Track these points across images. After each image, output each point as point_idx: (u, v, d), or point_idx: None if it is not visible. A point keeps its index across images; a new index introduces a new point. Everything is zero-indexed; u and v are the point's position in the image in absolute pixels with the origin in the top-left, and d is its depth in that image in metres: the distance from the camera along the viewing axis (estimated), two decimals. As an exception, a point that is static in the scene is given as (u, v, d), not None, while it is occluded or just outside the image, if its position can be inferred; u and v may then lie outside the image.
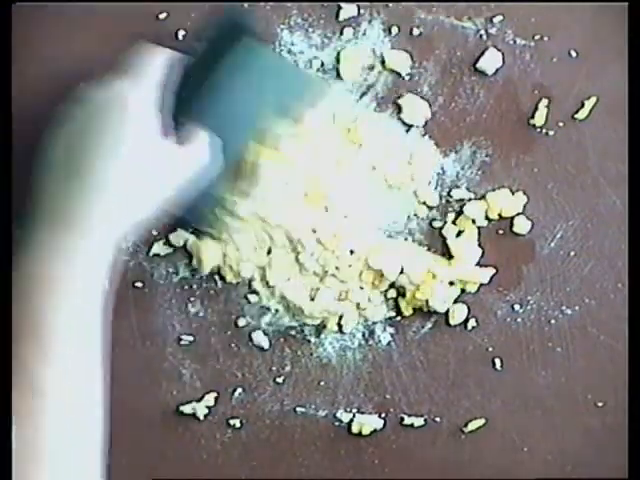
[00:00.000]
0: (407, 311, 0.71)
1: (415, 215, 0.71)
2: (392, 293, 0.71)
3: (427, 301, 0.70)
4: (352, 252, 0.69)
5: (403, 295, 0.71)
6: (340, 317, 0.71)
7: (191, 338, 0.72)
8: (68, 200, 0.59)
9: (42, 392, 0.55)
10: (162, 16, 0.71)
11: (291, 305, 0.70)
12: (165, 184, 0.62)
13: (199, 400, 0.72)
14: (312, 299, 0.70)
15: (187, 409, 0.72)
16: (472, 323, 0.72)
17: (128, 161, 0.60)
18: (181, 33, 0.71)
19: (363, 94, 0.71)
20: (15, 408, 0.54)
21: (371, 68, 0.71)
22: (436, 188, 0.71)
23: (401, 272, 0.69)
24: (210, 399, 0.72)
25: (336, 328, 0.71)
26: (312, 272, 0.70)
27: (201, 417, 0.72)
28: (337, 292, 0.70)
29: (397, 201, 0.71)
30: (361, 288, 0.70)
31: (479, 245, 0.71)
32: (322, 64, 0.71)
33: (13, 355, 0.55)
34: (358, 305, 0.71)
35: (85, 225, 0.58)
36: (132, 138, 0.60)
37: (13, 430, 0.53)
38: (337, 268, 0.69)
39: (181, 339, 0.72)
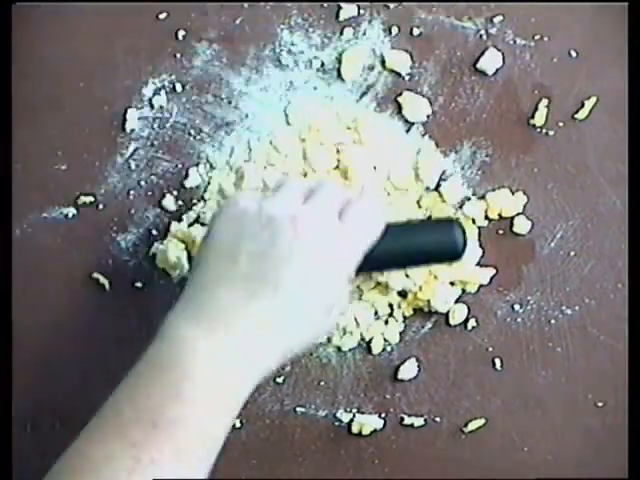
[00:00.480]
0: (407, 312, 0.71)
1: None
2: (394, 296, 0.71)
3: (429, 301, 0.70)
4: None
5: (404, 296, 0.71)
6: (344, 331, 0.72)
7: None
8: (235, 305, 0.56)
9: None
10: (162, 16, 0.71)
11: None
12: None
13: (199, 400, 0.72)
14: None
15: (187, 409, 0.72)
16: (472, 323, 0.72)
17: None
18: (181, 33, 0.71)
19: (363, 94, 0.71)
20: None
21: (371, 68, 0.71)
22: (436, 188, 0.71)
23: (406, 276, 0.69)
24: (210, 399, 0.72)
25: (340, 343, 0.72)
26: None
27: (201, 417, 0.72)
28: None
29: (399, 203, 0.71)
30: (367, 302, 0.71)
31: (479, 245, 0.71)
32: (322, 64, 0.71)
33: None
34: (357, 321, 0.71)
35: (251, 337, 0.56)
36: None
37: None
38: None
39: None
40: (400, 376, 0.71)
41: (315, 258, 0.58)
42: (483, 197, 0.71)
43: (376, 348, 0.71)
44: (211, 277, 0.58)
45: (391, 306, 0.71)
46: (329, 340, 0.71)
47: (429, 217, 0.70)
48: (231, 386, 0.56)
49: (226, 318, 0.56)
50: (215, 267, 0.58)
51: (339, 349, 0.72)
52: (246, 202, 0.59)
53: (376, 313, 0.71)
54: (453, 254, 0.65)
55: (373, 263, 0.63)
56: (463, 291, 0.71)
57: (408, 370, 0.71)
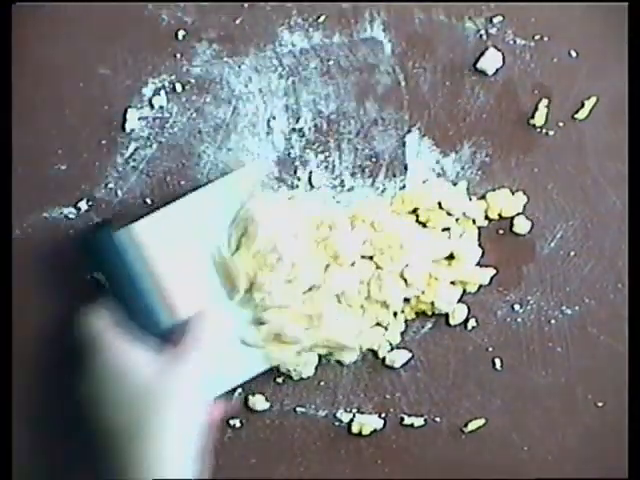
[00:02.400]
0: (410, 315, 0.71)
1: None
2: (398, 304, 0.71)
3: (432, 303, 0.70)
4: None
5: (407, 300, 0.71)
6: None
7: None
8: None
9: None
10: (162, 16, 0.71)
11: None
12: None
13: (199, 400, 0.72)
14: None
15: (187, 409, 0.72)
16: (472, 323, 0.72)
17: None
18: (181, 33, 0.71)
19: (364, 94, 0.71)
20: None
21: (371, 68, 0.72)
22: (436, 188, 0.72)
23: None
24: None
25: (341, 358, 0.72)
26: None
27: (201, 417, 0.72)
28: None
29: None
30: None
31: (479, 245, 0.71)
32: (322, 63, 0.71)
33: None
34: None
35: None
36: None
37: None
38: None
39: (181, 339, 0.72)
40: (395, 365, 0.71)
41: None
42: (483, 197, 0.71)
43: (382, 352, 0.71)
44: None
45: (395, 313, 0.71)
46: (330, 354, 0.71)
47: None
48: None
49: None
50: None
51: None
52: None
53: (378, 324, 0.71)
54: None
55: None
56: (463, 291, 0.71)
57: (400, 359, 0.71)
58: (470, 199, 0.71)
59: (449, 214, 0.70)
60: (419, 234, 0.70)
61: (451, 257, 0.71)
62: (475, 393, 0.72)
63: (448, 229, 0.70)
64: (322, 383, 0.72)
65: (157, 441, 0.60)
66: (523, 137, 0.72)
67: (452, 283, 0.71)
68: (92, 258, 0.67)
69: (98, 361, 0.63)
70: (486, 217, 0.71)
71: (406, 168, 0.71)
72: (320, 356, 0.71)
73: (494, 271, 0.71)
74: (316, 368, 0.72)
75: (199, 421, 0.62)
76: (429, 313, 0.71)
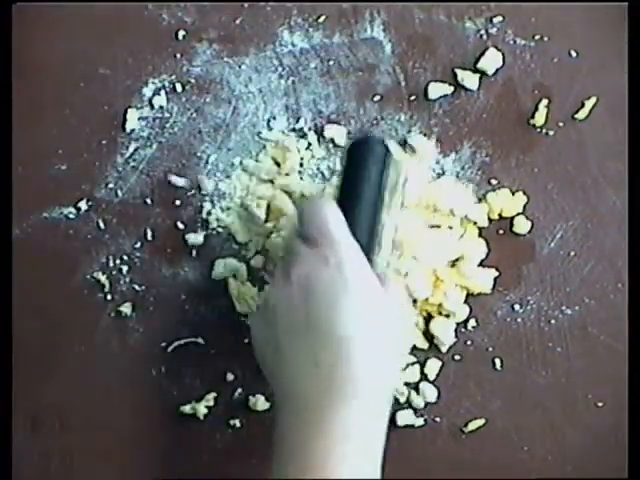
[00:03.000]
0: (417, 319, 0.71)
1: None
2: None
3: (439, 306, 0.70)
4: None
5: (414, 301, 0.71)
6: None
7: (192, 338, 0.72)
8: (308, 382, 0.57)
9: None
10: (162, 16, 0.71)
11: None
12: (400, 338, 0.61)
13: (199, 400, 0.72)
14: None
15: (187, 409, 0.72)
16: (472, 323, 0.71)
17: (370, 330, 0.57)
18: (181, 33, 0.71)
19: (364, 94, 0.71)
20: None
21: (371, 68, 0.71)
22: (436, 188, 0.72)
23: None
24: (210, 399, 0.72)
25: None
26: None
27: (201, 417, 0.72)
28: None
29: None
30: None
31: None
32: (322, 63, 0.71)
33: None
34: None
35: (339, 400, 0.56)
36: (355, 290, 0.57)
37: None
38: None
39: (181, 339, 0.72)
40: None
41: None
42: (483, 197, 0.71)
43: None
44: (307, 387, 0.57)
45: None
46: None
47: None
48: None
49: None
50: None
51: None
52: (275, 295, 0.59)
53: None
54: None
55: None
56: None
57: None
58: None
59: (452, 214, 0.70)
60: (427, 233, 0.70)
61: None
62: (475, 393, 0.72)
63: (450, 228, 0.70)
64: (322, 383, 0.72)
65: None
66: (523, 137, 0.72)
67: (457, 285, 0.71)
68: (354, 158, 0.62)
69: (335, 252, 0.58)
70: (486, 217, 0.71)
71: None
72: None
73: (497, 273, 0.71)
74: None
75: None
76: (434, 314, 0.71)
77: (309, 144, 0.71)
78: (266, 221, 0.70)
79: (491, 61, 0.71)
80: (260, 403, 0.72)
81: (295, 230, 0.61)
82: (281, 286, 0.59)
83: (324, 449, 0.56)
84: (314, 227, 0.59)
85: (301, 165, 0.71)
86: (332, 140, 0.71)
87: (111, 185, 0.71)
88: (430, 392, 0.71)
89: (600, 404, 0.72)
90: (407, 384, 0.71)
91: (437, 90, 0.71)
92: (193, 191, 0.71)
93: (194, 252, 0.71)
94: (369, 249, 0.60)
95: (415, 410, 0.71)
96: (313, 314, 0.57)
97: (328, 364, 0.56)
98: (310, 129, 0.71)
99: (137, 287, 0.72)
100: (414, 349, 0.71)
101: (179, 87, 0.71)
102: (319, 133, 0.71)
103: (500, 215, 0.71)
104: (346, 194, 0.61)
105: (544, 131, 0.71)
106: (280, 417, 0.59)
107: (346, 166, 0.62)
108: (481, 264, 0.71)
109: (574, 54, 0.71)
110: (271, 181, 0.70)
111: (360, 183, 0.61)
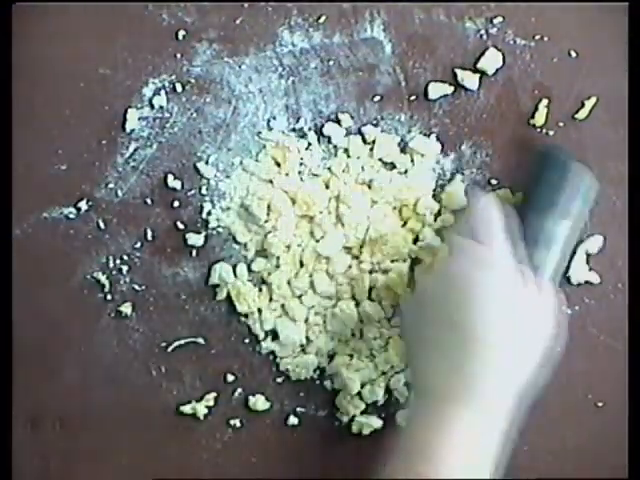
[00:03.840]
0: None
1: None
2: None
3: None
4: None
5: None
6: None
7: (192, 338, 0.72)
8: (449, 371, 0.60)
9: None
10: (162, 16, 0.71)
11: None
12: (541, 334, 0.63)
13: (199, 400, 0.72)
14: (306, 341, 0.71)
15: (187, 409, 0.72)
16: (472, 323, 0.71)
17: (511, 323, 0.60)
18: (181, 33, 0.71)
19: (364, 94, 0.71)
20: None
21: (371, 68, 0.72)
22: (435, 189, 0.71)
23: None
24: (210, 399, 0.72)
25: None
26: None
27: (201, 417, 0.72)
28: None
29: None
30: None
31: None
32: (322, 63, 0.71)
33: None
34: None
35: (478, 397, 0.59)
36: (506, 298, 0.60)
37: None
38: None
39: (181, 339, 0.72)
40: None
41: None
42: (483, 197, 0.71)
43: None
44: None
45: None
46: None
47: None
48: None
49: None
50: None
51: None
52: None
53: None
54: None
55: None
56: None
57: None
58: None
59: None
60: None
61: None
62: (475, 393, 0.72)
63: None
64: (322, 383, 0.72)
65: None
66: (523, 137, 0.72)
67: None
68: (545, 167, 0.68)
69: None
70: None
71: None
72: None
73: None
74: (315, 369, 0.72)
75: None
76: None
77: (309, 144, 0.71)
78: (266, 221, 0.70)
79: (491, 61, 0.71)
80: (260, 403, 0.72)
81: (461, 225, 0.65)
82: (440, 278, 0.62)
83: (445, 453, 0.59)
84: (479, 225, 0.63)
85: (301, 165, 0.71)
86: (329, 139, 0.71)
87: (111, 185, 0.71)
88: None
89: (600, 404, 0.72)
90: (407, 384, 0.71)
91: (437, 90, 0.71)
92: (193, 191, 0.71)
93: (194, 252, 0.71)
94: (539, 257, 0.65)
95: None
96: (460, 314, 0.60)
97: (461, 366, 0.60)
98: (310, 129, 0.71)
99: (137, 287, 0.72)
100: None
101: (179, 87, 0.71)
102: (319, 133, 0.71)
103: (500, 215, 0.71)
104: (538, 202, 0.67)
105: (544, 131, 0.71)
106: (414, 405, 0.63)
107: (542, 175, 0.67)
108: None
109: (574, 54, 0.71)
110: (271, 181, 0.70)
111: (555, 195, 0.67)
